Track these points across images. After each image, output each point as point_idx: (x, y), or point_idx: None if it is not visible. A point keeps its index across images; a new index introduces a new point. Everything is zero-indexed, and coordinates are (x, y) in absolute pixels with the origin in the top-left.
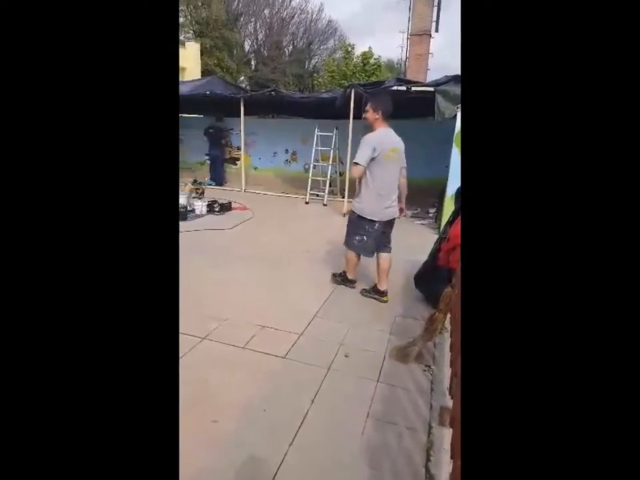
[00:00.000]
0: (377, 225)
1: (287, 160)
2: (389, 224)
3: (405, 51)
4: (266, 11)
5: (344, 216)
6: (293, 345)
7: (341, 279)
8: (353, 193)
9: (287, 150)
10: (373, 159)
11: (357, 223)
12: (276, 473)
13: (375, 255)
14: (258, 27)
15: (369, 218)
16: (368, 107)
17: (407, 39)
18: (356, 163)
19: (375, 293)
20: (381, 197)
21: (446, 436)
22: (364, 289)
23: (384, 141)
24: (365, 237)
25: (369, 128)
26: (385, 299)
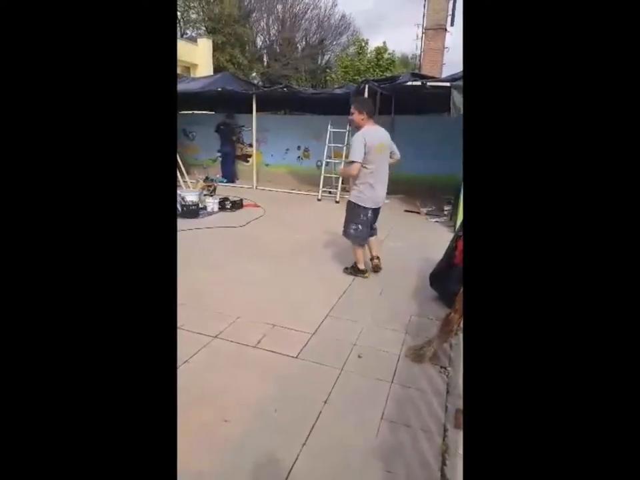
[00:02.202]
0: (369, 212)
1: (299, 157)
2: (378, 211)
3: (419, 46)
4: (278, 7)
5: None
6: (305, 345)
7: (353, 270)
8: None
9: (299, 147)
10: (365, 154)
11: (353, 212)
12: (288, 474)
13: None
14: (270, 22)
15: (363, 205)
16: (353, 110)
17: (422, 33)
18: (352, 162)
19: (356, 271)
20: (373, 186)
21: (462, 439)
22: (346, 267)
23: (372, 137)
24: (360, 226)
25: (356, 129)
26: (366, 275)
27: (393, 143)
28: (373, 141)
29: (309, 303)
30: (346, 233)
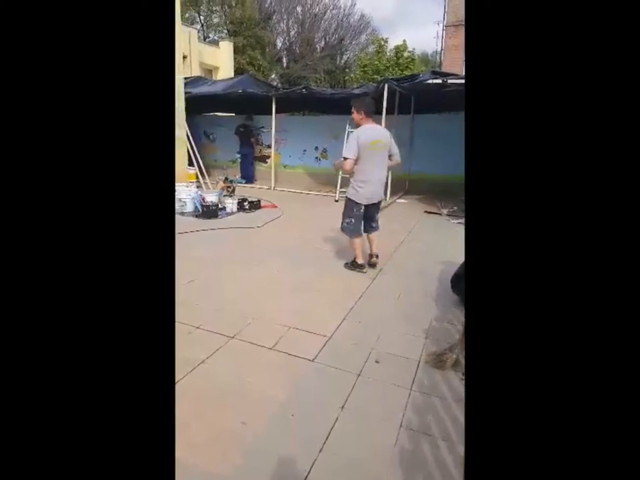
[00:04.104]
0: (362, 207)
1: (316, 157)
2: (374, 207)
3: (440, 43)
4: (298, 8)
5: None
6: (321, 349)
7: (352, 265)
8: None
9: (316, 147)
10: (358, 151)
11: (347, 205)
12: None
13: (366, 236)
14: (290, 24)
15: (356, 201)
16: (352, 110)
17: (442, 30)
18: (345, 158)
19: (355, 266)
20: (365, 182)
21: None
22: (346, 263)
23: (366, 134)
24: (352, 220)
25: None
26: (364, 270)
27: (394, 144)
28: (366, 138)
29: (326, 306)
30: (341, 226)
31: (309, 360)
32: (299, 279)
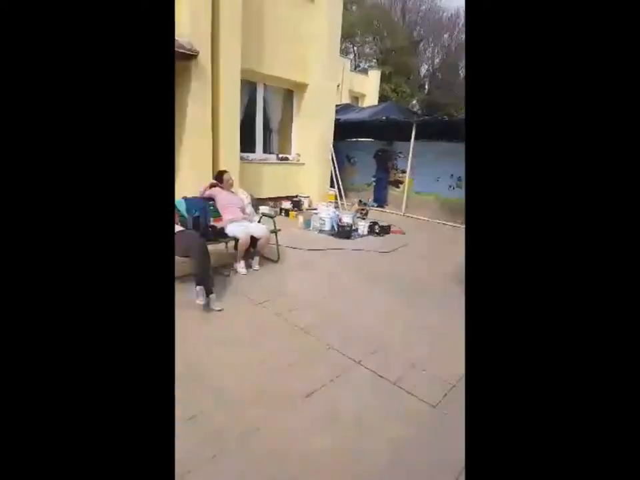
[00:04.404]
0: None
1: (450, 185)
2: None
3: None
4: (445, 35)
5: None
6: (445, 395)
7: None
8: None
9: (452, 175)
10: None
11: None
12: None
13: None
14: (436, 51)
15: None
16: None
17: None
18: None
19: None
20: None
21: None
22: None
23: None
24: None
25: None
26: None
27: None
28: None
29: (452, 349)
30: None
31: (432, 406)
32: (424, 314)
